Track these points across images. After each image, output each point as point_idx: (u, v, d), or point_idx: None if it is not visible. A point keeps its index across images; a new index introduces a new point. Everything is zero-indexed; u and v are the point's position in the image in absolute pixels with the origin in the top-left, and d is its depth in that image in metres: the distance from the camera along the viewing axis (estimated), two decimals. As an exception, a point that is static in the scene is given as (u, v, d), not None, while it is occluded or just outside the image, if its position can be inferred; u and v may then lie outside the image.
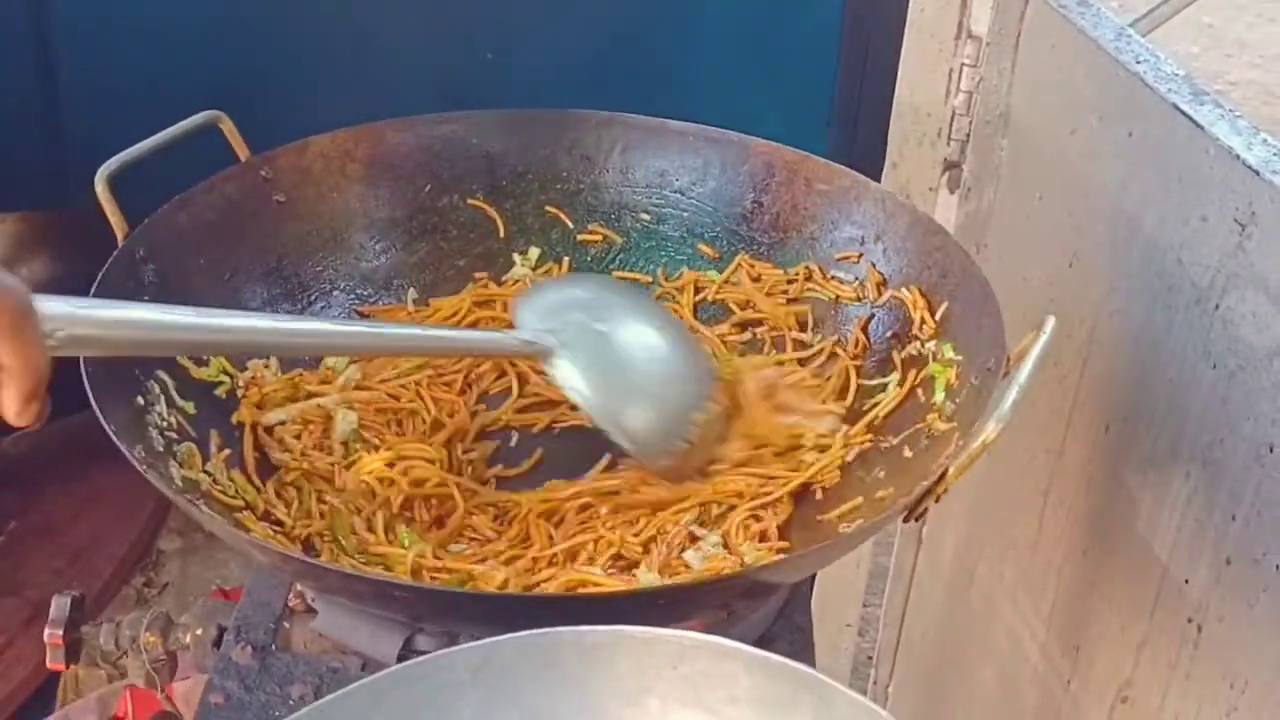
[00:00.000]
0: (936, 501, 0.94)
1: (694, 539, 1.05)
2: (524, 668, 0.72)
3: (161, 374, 1.07)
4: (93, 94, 1.79)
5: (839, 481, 1.10)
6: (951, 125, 1.48)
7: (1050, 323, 1.00)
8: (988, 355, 1.04)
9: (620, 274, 1.31)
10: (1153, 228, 1.15)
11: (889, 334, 1.18)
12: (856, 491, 1.07)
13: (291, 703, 0.98)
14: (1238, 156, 1.02)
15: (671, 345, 1.13)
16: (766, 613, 1.08)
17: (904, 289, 1.18)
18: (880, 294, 1.20)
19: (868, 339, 1.19)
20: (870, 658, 1.93)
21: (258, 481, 1.08)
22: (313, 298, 1.24)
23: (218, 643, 1.07)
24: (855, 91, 1.82)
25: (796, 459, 1.11)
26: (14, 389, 0.79)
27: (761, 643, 1.07)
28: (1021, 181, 1.42)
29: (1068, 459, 1.32)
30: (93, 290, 1.03)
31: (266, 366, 1.17)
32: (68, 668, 1.09)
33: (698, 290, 1.28)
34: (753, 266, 1.27)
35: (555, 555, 1.03)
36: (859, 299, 1.21)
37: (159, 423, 1.03)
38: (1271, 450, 1.00)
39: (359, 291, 1.26)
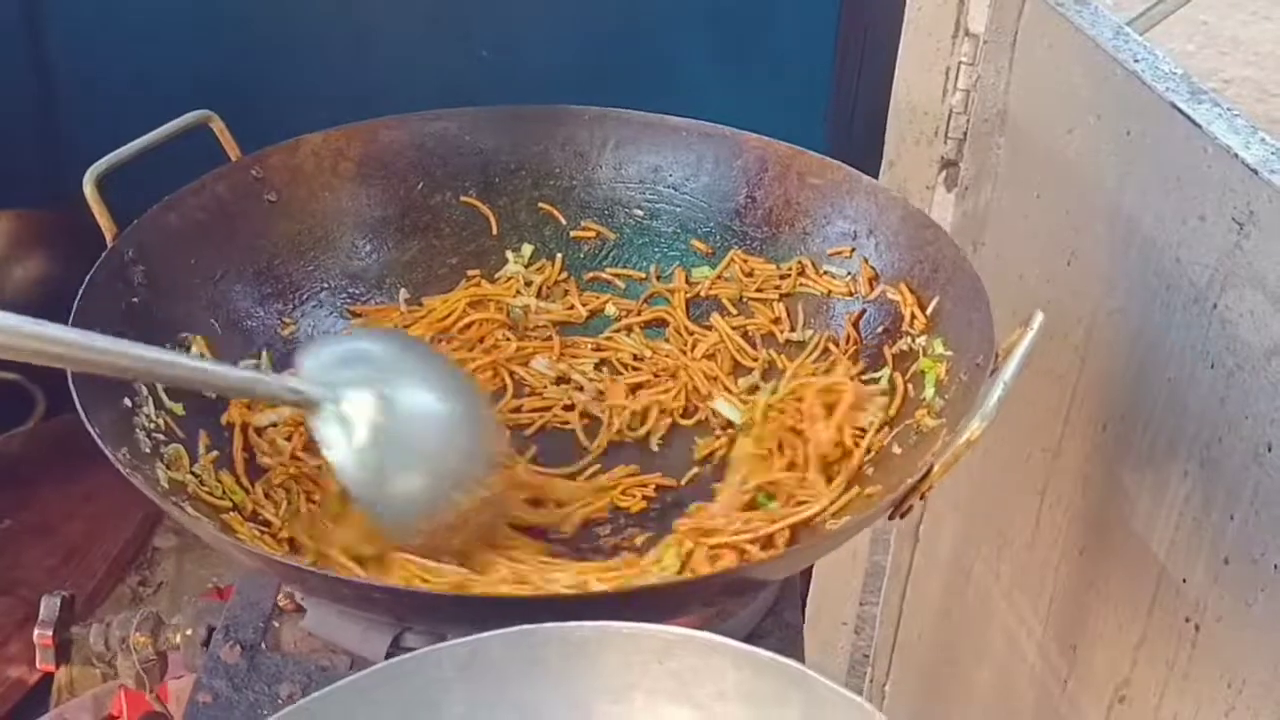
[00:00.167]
0: (922, 499, 0.94)
1: None
2: (511, 663, 0.72)
3: (150, 375, 1.06)
4: (86, 93, 1.79)
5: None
6: (949, 124, 1.48)
7: (1038, 318, 0.99)
8: (977, 351, 1.03)
9: (614, 270, 1.30)
10: (1151, 226, 1.14)
11: (880, 329, 1.17)
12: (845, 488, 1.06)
13: (280, 701, 0.98)
14: (1236, 155, 1.01)
15: (453, 422, 1.07)
16: (756, 609, 1.07)
17: (894, 286, 1.17)
18: (872, 289, 1.19)
19: (859, 334, 1.18)
20: (866, 656, 1.93)
21: (246, 482, 1.07)
22: (304, 297, 1.23)
23: (207, 642, 1.06)
24: (851, 90, 1.82)
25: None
26: None
27: (751, 639, 1.05)
28: (1019, 180, 1.42)
29: (1065, 458, 1.31)
30: (80, 292, 1.02)
31: (258, 368, 1.17)
32: (58, 668, 1.09)
33: (690, 286, 1.28)
34: (745, 262, 1.26)
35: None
36: (851, 294, 1.20)
37: (146, 424, 1.03)
38: (1270, 449, 0.99)
39: (351, 290, 1.26)
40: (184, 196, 1.15)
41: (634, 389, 1.22)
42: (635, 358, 1.25)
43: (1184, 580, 1.11)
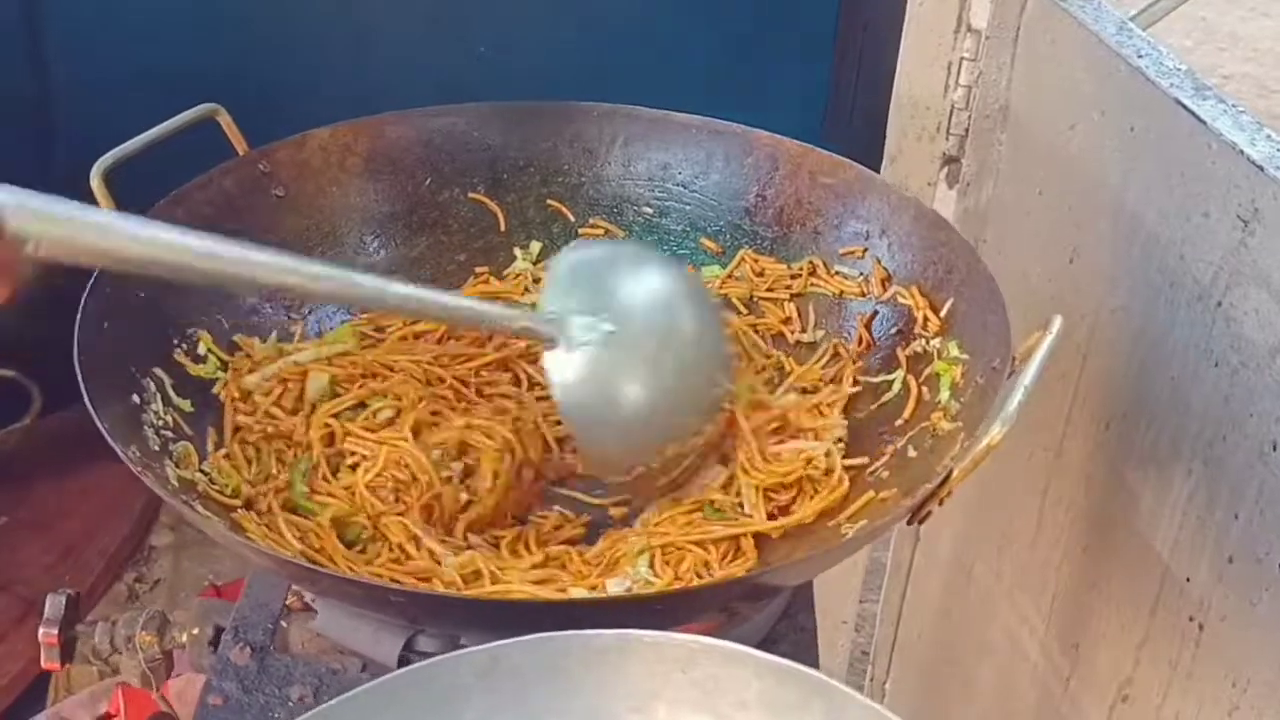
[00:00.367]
0: (940, 504, 0.93)
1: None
2: (531, 671, 0.71)
3: (158, 371, 1.06)
4: (87, 88, 1.78)
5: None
6: (950, 119, 1.47)
7: (1057, 322, 0.99)
8: (993, 354, 1.03)
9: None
10: (1154, 224, 1.14)
11: (894, 330, 1.17)
12: (860, 491, 1.06)
13: (291, 704, 0.97)
14: (1241, 152, 1.01)
15: (679, 368, 1.08)
16: (770, 613, 1.07)
17: (905, 289, 1.17)
18: (885, 290, 1.19)
19: (871, 336, 1.18)
20: (866, 654, 1.92)
21: (237, 453, 1.07)
22: (312, 293, 1.22)
23: (214, 642, 1.06)
24: (850, 86, 1.81)
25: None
26: None
27: (765, 643, 1.06)
28: (1021, 176, 1.41)
29: (1067, 456, 1.31)
30: (89, 286, 1.02)
31: (263, 340, 1.17)
32: (62, 667, 1.08)
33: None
34: (756, 261, 1.26)
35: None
36: (863, 294, 1.20)
37: (154, 421, 1.03)
38: (1275, 448, 0.99)
39: (359, 287, 1.25)
40: (190, 191, 1.14)
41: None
42: None
43: (1188, 579, 1.10)
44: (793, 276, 1.24)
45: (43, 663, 1.08)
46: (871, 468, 1.09)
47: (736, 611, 1.02)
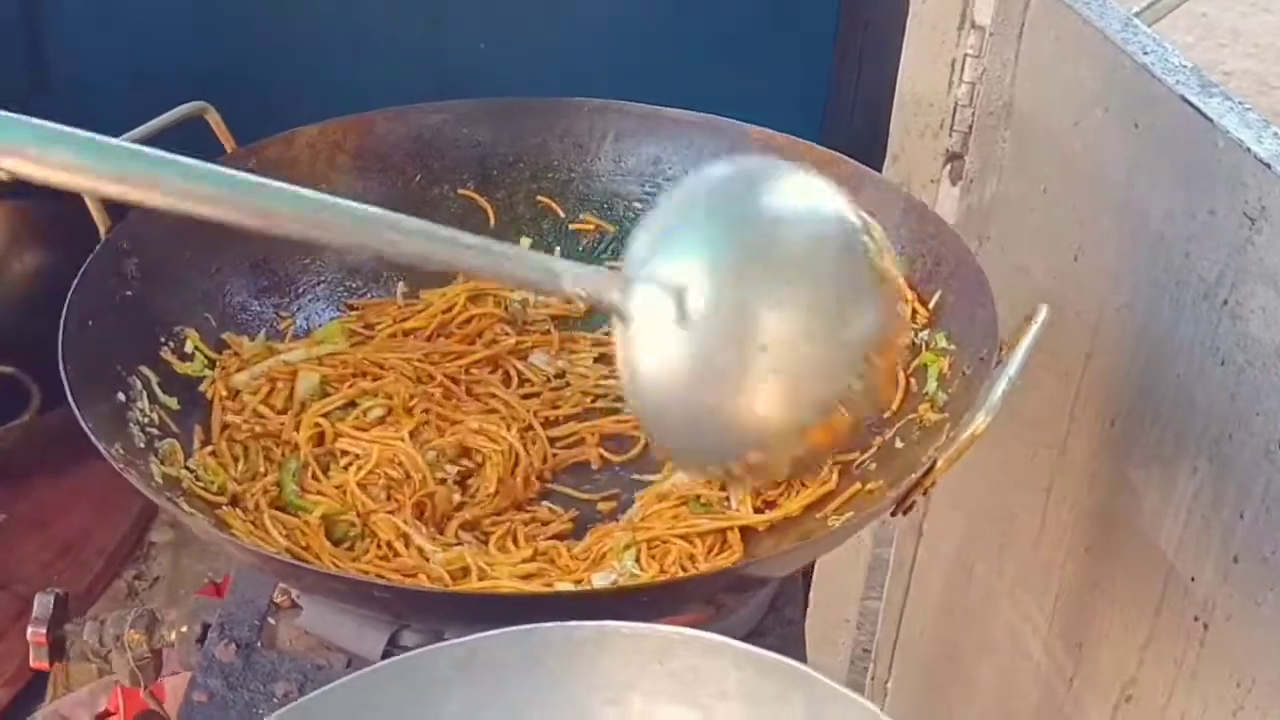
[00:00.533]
0: (925, 494, 0.93)
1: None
2: (509, 663, 0.71)
3: (144, 370, 1.06)
4: (79, 84, 1.78)
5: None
6: (954, 116, 1.47)
7: (1043, 311, 0.98)
8: (980, 345, 1.02)
9: (613, 264, 1.21)
10: (1159, 221, 1.13)
11: None
12: (848, 484, 1.06)
13: (275, 700, 0.97)
14: (1248, 149, 1.00)
15: (781, 363, 0.75)
16: (757, 606, 1.07)
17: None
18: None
19: None
20: (868, 651, 1.91)
21: (224, 450, 1.07)
22: (300, 290, 1.22)
23: (202, 639, 1.05)
24: (851, 84, 1.80)
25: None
26: None
27: (752, 637, 1.05)
28: (1025, 173, 1.40)
29: (1071, 454, 1.30)
30: (74, 284, 1.01)
31: (251, 339, 1.17)
32: (51, 666, 1.08)
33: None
34: None
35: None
36: None
37: (140, 419, 1.02)
38: (1281, 446, 0.98)
39: (347, 284, 1.25)
40: (179, 191, 1.13)
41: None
42: None
43: (1192, 579, 1.09)
44: None
45: (31, 661, 1.08)
46: (859, 460, 1.08)
47: (723, 604, 1.01)
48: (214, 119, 1.19)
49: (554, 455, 1.14)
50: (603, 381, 1.21)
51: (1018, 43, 1.39)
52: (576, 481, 1.13)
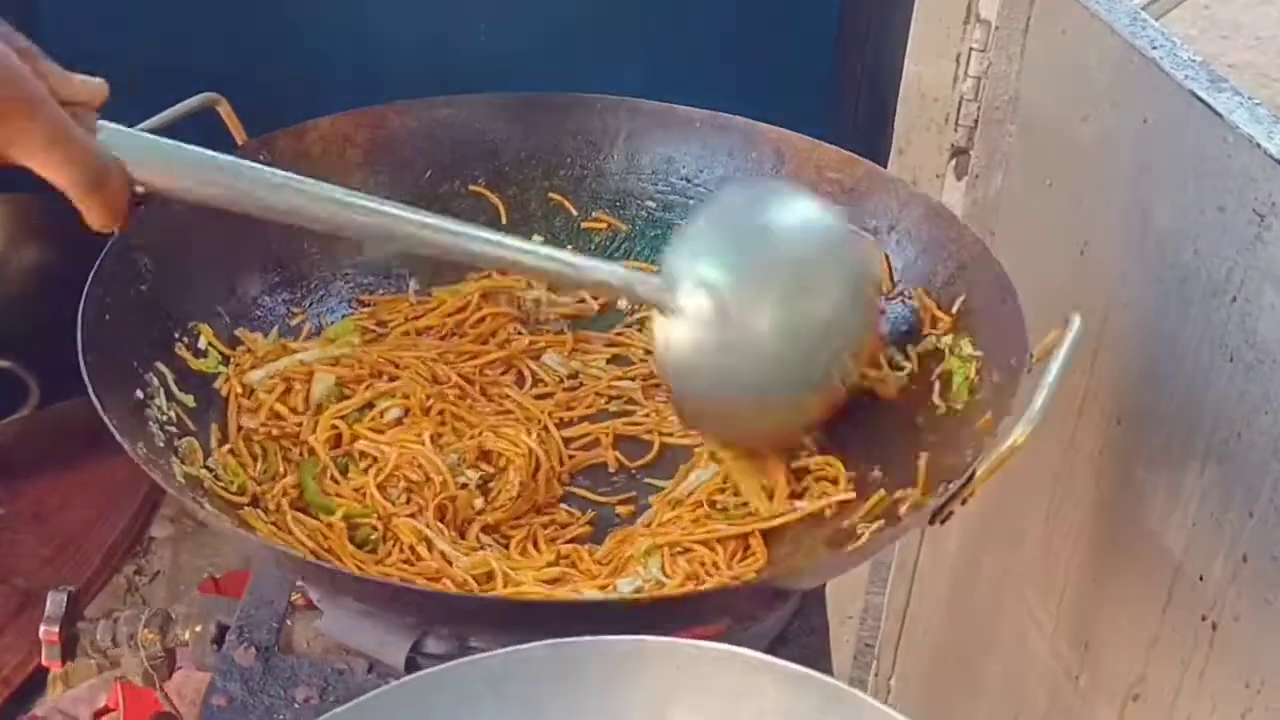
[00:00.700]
0: (963, 504, 0.92)
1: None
2: (544, 678, 0.70)
3: (160, 366, 1.05)
4: (85, 73, 1.77)
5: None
6: (959, 111, 1.46)
7: (1076, 320, 0.98)
8: (1009, 351, 1.02)
9: (626, 264, 1.24)
10: (1167, 218, 1.13)
11: (903, 329, 1.15)
12: (868, 490, 1.05)
13: (297, 706, 0.96)
14: (1258, 145, 0.99)
15: (792, 350, 1.02)
16: (782, 614, 1.05)
17: (911, 290, 1.15)
18: (893, 286, 1.17)
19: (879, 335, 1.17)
20: (871, 646, 1.91)
21: (242, 449, 1.06)
22: (313, 286, 1.21)
23: (217, 640, 1.05)
24: (855, 78, 1.80)
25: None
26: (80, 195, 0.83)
27: (777, 643, 1.05)
28: (1031, 168, 1.40)
29: (1078, 451, 1.30)
30: (89, 280, 1.00)
31: (264, 335, 1.16)
32: (63, 665, 1.07)
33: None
34: None
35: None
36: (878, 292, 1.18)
37: (159, 416, 1.01)
38: (1290, 446, 0.98)
39: (360, 280, 1.24)
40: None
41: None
42: (647, 352, 1.22)
43: (1200, 578, 1.09)
44: None
45: (44, 660, 1.07)
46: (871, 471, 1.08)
47: (752, 616, 1.00)
48: (225, 110, 1.18)
49: (570, 457, 1.14)
50: (616, 383, 1.21)
51: (1024, 37, 1.39)
52: (593, 484, 1.13)
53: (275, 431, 1.08)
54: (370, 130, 1.25)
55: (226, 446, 1.06)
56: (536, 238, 1.28)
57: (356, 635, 1.00)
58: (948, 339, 1.11)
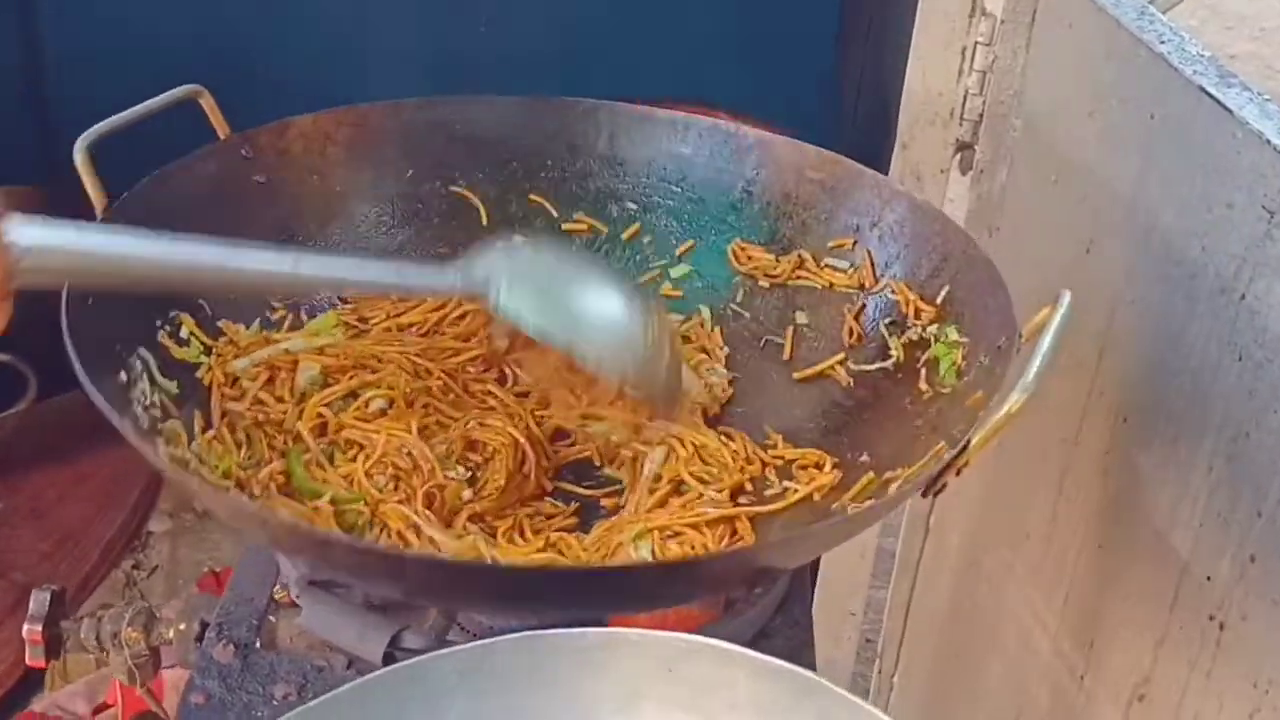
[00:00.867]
0: (958, 475, 0.92)
1: None
2: (515, 671, 0.70)
3: (143, 351, 1.04)
4: (76, 68, 1.77)
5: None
6: (964, 106, 1.46)
7: (1066, 298, 0.98)
8: (998, 333, 1.02)
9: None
10: (1175, 214, 1.12)
11: (888, 320, 1.16)
12: (856, 474, 1.06)
13: (275, 703, 0.96)
14: (1268, 141, 0.98)
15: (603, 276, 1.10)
16: (764, 607, 1.05)
17: (894, 284, 1.16)
18: (877, 282, 1.17)
19: (861, 328, 1.17)
20: (872, 641, 1.90)
21: (226, 436, 1.06)
22: (295, 279, 1.20)
23: (201, 638, 1.04)
24: (857, 73, 1.79)
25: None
26: None
27: (760, 638, 1.05)
28: (1036, 164, 1.39)
29: (1083, 449, 1.28)
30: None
31: (246, 327, 1.16)
32: (47, 664, 1.06)
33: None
34: (744, 249, 1.25)
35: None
36: (858, 287, 1.19)
37: (142, 400, 1.01)
38: (1300, 445, 0.97)
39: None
40: (174, 172, 1.12)
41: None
42: None
43: (1208, 578, 1.08)
44: (777, 265, 1.23)
45: (28, 659, 1.06)
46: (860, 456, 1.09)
47: (731, 602, 0.99)
48: (208, 103, 1.17)
49: (556, 452, 1.13)
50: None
51: (1029, 31, 1.38)
52: (578, 478, 1.13)
53: (260, 418, 1.08)
54: (352, 129, 1.24)
55: (211, 432, 1.05)
56: (518, 238, 1.26)
57: (335, 631, 0.99)
58: (933, 328, 1.11)
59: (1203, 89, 1.06)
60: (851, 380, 1.16)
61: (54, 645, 1.07)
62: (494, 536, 1.04)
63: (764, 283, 1.23)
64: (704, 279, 1.27)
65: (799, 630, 1.07)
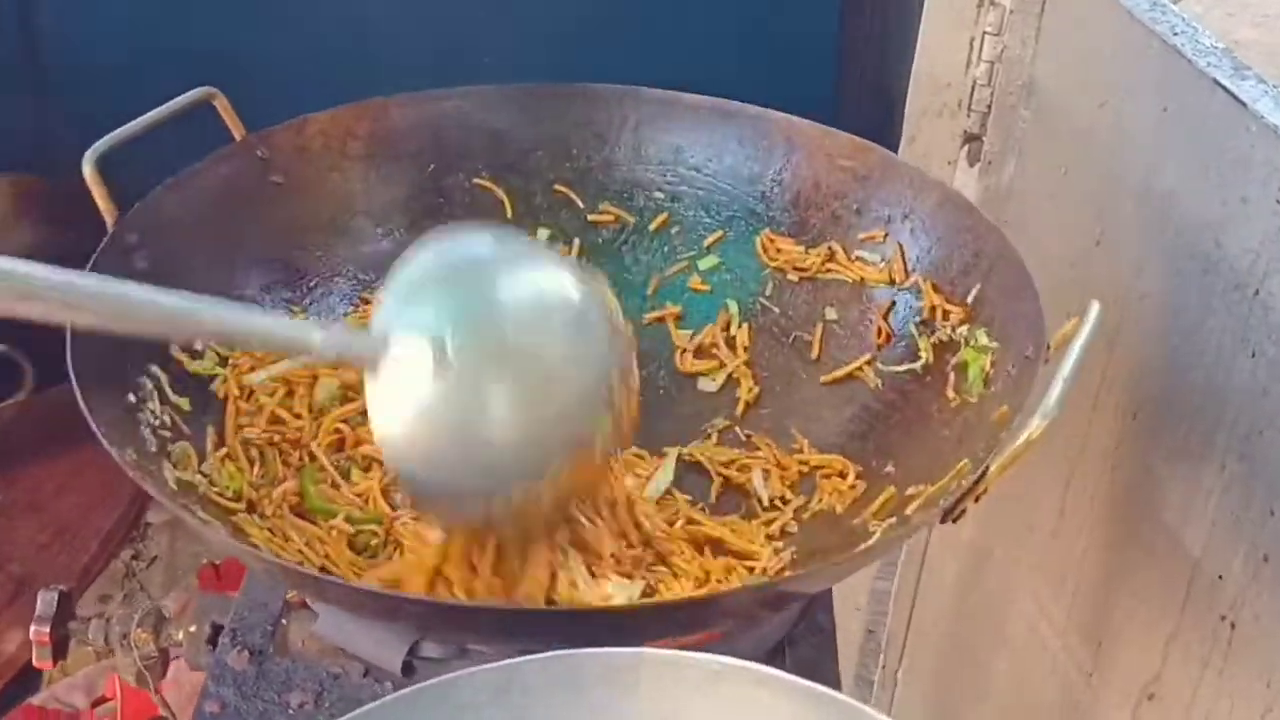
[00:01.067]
0: (976, 501, 0.90)
1: None
2: (546, 690, 0.69)
3: (154, 369, 1.03)
4: (80, 65, 1.75)
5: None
6: (972, 96, 1.44)
7: (1094, 309, 0.96)
8: (1025, 342, 1.00)
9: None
10: (1187, 208, 1.10)
11: (918, 319, 1.14)
12: (878, 485, 1.05)
13: (291, 711, 0.94)
14: (1283, 135, 0.97)
15: (528, 400, 0.84)
16: (788, 615, 1.04)
17: (921, 281, 1.14)
18: (907, 276, 1.15)
19: (890, 327, 1.15)
20: (873, 632, 1.90)
21: (239, 453, 1.04)
22: (313, 283, 1.19)
23: (212, 640, 1.03)
24: (860, 62, 1.78)
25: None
26: None
27: (783, 645, 1.04)
28: (1045, 155, 1.38)
29: (1092, 445, 1.28)
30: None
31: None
32: (55, 665, 1.05)
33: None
34: (772, 242, 1.23)
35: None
36: (888, 282, 1.17)
37: (151, 420, 0.99)
38: (1316, 444, 0.96)
39: (361, 277, 1.21)
40: (188, 178, 1.11)
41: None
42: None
43: (1220, 576, 1.07)
44: (807, 264, 1.21)
45: (35, 662, 1.05)
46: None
47: (759, 618, 0.99)
48: (222, 105, 1.15)
49: None
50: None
51: (1039, 21, 1.37)
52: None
53: (276, 437, 1.06)
54: (371, 123, 1.22)
55: (223, 451, 1.04)
56: (543, 230, 1.26)
57: (352, 639, 0.98)
58: (963, 329, 1.10)
59: (1216, 81, 1.05)
60: (880, 382, 1.15)
61: (61, 646, 1.06)
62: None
63: (793, 276, 1.21)
64: (732, 271, 1.25)
65: (823, 637, 1.06)
